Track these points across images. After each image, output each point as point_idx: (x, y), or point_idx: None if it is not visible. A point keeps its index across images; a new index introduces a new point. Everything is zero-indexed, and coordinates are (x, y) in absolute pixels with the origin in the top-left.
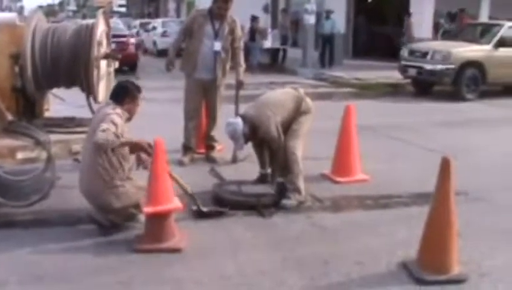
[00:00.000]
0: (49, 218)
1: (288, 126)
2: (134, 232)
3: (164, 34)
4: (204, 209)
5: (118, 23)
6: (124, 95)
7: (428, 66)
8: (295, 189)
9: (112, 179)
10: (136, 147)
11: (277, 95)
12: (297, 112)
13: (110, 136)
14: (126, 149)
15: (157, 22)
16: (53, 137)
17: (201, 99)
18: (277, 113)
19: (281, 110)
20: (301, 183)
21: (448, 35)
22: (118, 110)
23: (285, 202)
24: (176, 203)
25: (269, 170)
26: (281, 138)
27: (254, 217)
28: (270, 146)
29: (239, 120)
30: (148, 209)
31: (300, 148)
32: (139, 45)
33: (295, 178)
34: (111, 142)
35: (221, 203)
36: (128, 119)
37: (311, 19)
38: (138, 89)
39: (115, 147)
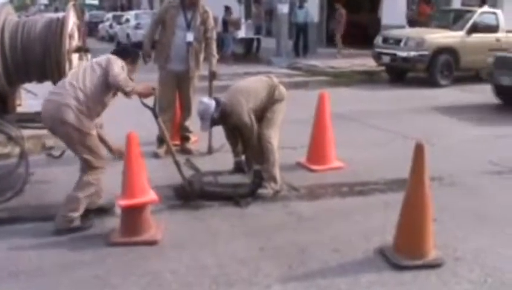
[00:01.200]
0: (23, 214)
1: (262, 114)
2: (110, 226)
3: (138, 27)
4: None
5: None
6: (127, 54)
7: (402, 53)
8: (271, 178)
9: (85, 107)
10: (142, 94)
11: (250, 83)
12: (271, 100)
13: (127, 81)
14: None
15: (131, 15)
16: (26, 132)
17: (175, 91)
18: (249, 100)
19: (254, 98)
20: (277, 172)
21: (412, 23)
22: (122, 62)
23: (261, 191)
24: (151, 195)
25: (243, 157)
26: (253, 125)
27: (231, 207)
28: (243, 134)
29: (212, 102)
30: (123, 202)
31: (276, 137)
32: (85, 32)
33: (271, 167)
34: (129, 85)
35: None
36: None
37: (284, 8)
38: (138, 55)
39: (127, 91)
